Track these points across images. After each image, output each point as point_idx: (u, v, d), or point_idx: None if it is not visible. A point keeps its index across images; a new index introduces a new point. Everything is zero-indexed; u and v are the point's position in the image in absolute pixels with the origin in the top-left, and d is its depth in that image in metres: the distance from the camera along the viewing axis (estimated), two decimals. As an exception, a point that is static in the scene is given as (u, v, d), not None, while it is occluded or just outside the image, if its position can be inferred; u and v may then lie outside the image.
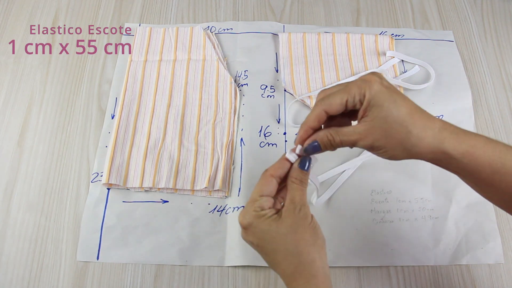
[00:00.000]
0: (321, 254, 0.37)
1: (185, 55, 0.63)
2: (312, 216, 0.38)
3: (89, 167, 0.56)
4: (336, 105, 0.35)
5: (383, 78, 0.35)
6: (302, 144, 0.38)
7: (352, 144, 0.36)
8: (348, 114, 0.38)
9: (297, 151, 0.38)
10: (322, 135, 0.36)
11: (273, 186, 0.38)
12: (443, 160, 0.35)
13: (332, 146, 0.36)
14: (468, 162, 0.34)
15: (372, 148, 0.35)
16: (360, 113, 0.35)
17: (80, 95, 0.61)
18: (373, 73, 0.35)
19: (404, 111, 0.33)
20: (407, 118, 0.33)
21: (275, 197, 0.40)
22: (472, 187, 0.37)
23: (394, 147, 0.34)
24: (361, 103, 0.34)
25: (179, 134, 0.57)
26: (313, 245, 0.36)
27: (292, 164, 0.39)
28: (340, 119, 0.37)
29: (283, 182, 0.40)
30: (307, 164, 0.38)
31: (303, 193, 0.38)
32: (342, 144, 0.36)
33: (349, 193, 0.54)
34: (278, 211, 0.38)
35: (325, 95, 0.36)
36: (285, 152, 0.40)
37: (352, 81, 0.35)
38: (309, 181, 0.39)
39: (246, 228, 0.38)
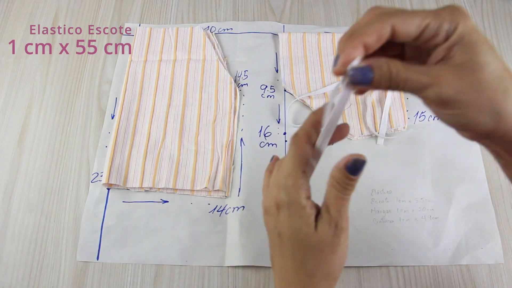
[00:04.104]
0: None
1: (185, 55, 0.63)
2: (347, 236, 0.30)
3: (89, 167, 0.56)
4: (412, 25, 0.24)
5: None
6: (344, 71, 0.25)
7: (418, 89, 0.25)
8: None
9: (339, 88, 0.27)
10: (382, 62, 0.25)
11: (308, 156, 0.30)
12: None
13: (389, 83, 0.25)
14: None
15: (446, 103, 0.24)
16: (441, 51, 0.25)
17: (80, 95, 0.61)
18: (459, 6, 0.25)
19: (502, 66, 0.24)
20: (506, 75, 0.24)
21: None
22: None
23: (481, 108, 0.24)
24: (447, 37, 0.24)
25: (179, 134, 0.57)
26: (326, 278, 0.30)
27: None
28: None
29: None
30: (358, 167, 0.28)
31: (343, 202, 0.29)
32: (405, 85, 0.25)
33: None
34: (317, 214, 0.30)
35: (395, 10, 0.25)
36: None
37: (438, 8, 0.25)
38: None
39: (278, 209, 0.30)
